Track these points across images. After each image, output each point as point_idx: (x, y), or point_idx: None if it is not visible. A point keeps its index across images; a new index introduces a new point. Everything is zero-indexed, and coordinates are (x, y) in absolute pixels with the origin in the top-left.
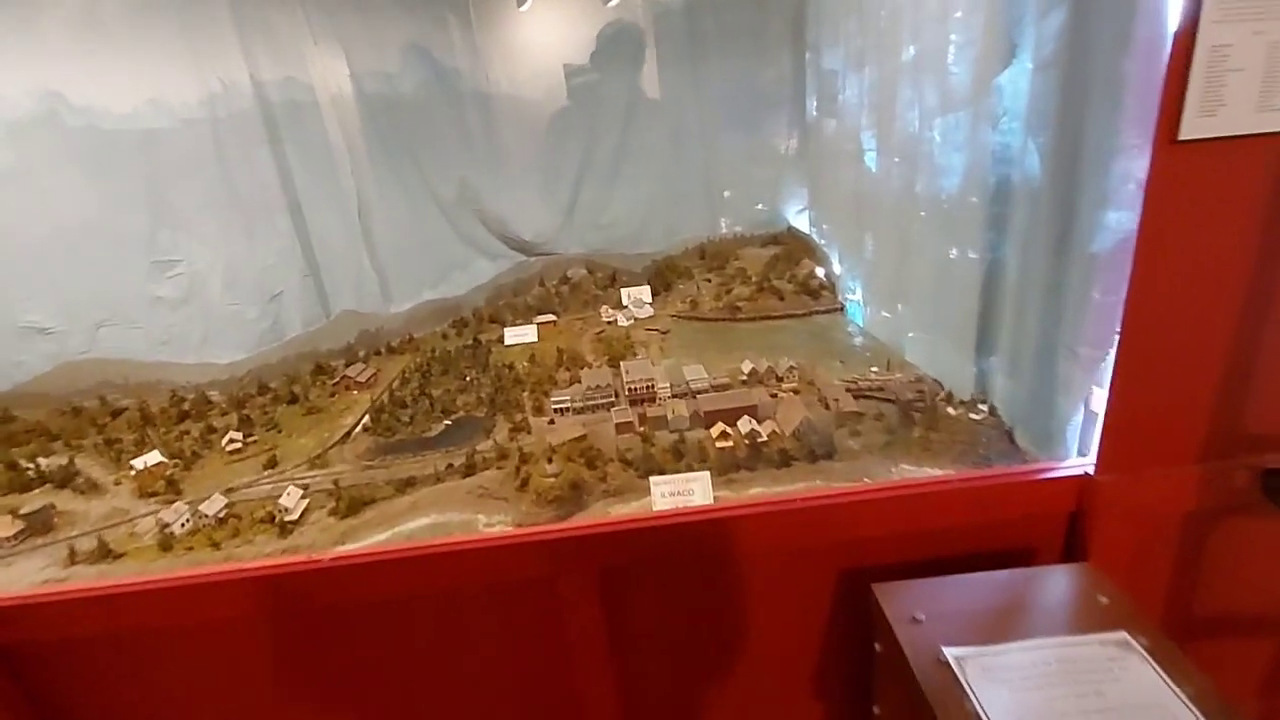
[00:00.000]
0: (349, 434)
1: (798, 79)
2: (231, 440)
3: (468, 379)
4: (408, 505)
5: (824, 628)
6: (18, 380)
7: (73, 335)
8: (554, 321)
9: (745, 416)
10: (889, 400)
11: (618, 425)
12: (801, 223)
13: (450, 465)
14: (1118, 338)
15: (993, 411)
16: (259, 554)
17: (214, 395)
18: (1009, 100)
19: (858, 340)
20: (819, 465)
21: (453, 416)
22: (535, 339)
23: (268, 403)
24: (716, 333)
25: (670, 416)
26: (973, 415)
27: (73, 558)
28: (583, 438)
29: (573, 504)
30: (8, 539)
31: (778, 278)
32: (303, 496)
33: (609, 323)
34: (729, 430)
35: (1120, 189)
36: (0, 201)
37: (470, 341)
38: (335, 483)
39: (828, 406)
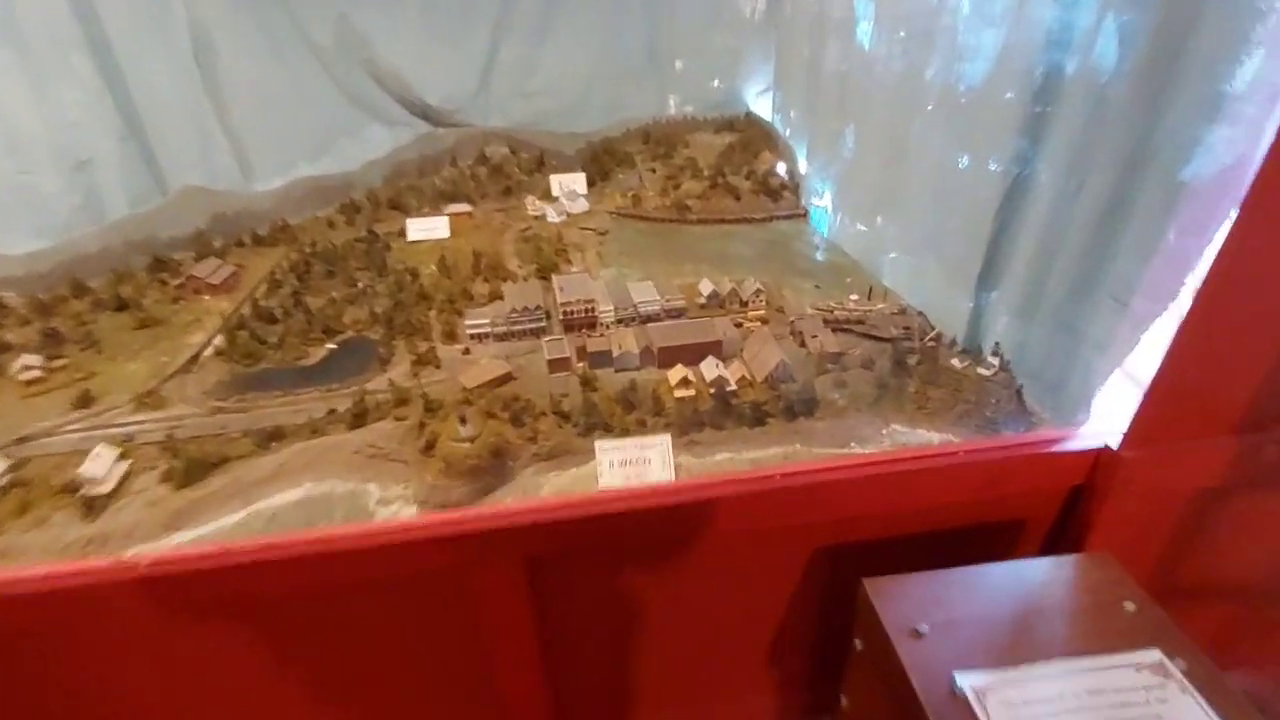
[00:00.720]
0: (195, 358)
1: None
2: (26, 367)
3: (359, 286)
4: (273, 468)
5: (792, 610)
6: None
7: None
8: (469, 213)
9: (709, 358)
10: (872, 337)
11: (551, 362)
12: (763, 107)
13: (333, 411)
14: (1187, 290)
15: (1003, 366)
16: (54, 544)
17: (9, 296)
18: None
19: (822, 255)
20: (798, 425)
21: (338, 339)
22: (446, 234)
23: (86, 309)
24: (663, 235)
25: (617, 352)
26: (981, 370)
27: None
28: (506, 378)
29: (494, 475)
30: None
31: (733, 172)
32: (121, 457)
33: (536, 217)
34: (690, 376)
35: (1243, 98)
36: None
37: (364, 234)
38: (170, 434)
39: (804, 344)
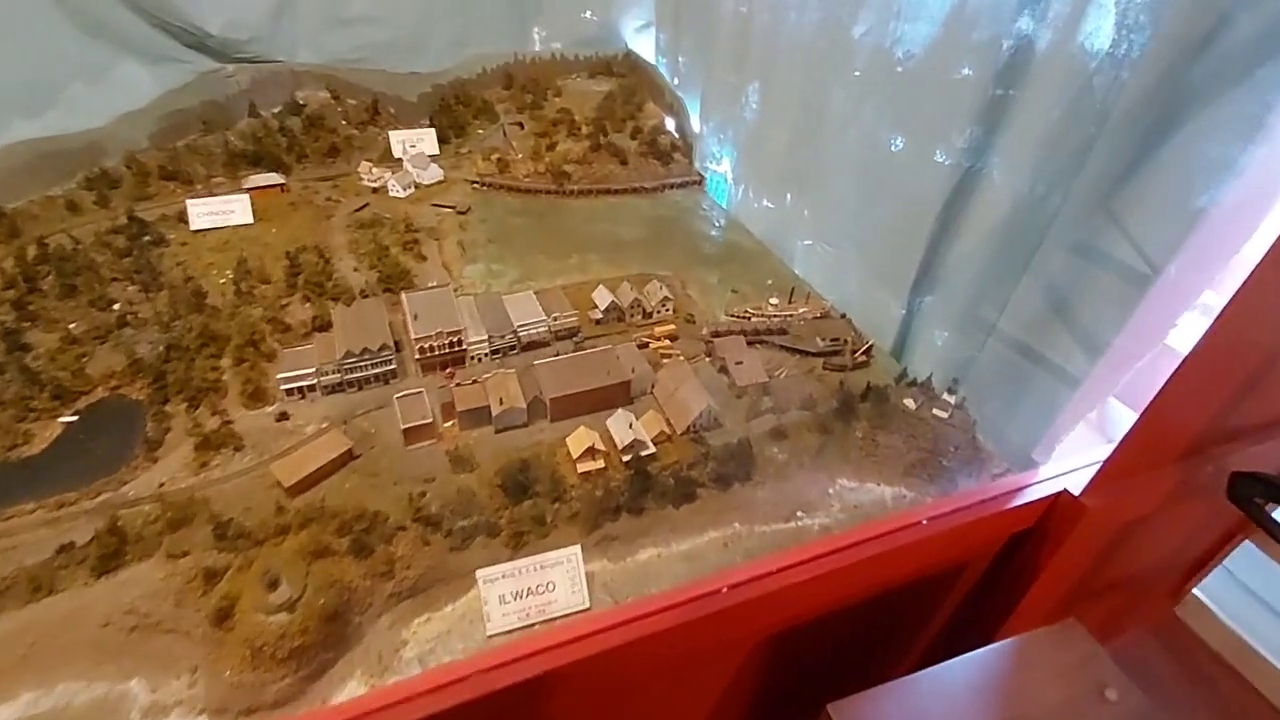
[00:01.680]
0: None
1: None
2: None
3: (115, 309)
4: None
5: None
6: None
7: None
8: (282, 185)
9: (619, 412)
10: (798, 352)
11: (407, 431)
12: (645, 47)
13: (66, 549)
14: (1179, 334)
15: (960, 404)
16: None
17: None
18: None
19: (724, 233)
20: (734, 495)
21: (79, 405)
22: (249, 219)
23: None
24: (539, 213)
25: (497, 408)
26: (937, 411)
27: None
28: (344, 460)
29: (330, 646)
30: None
31: (616, 129)
32: None
33: (375, 189)
34: (596, 444)
35: None
36: None
37: (122, 221)
38: None
39: (725, 369)
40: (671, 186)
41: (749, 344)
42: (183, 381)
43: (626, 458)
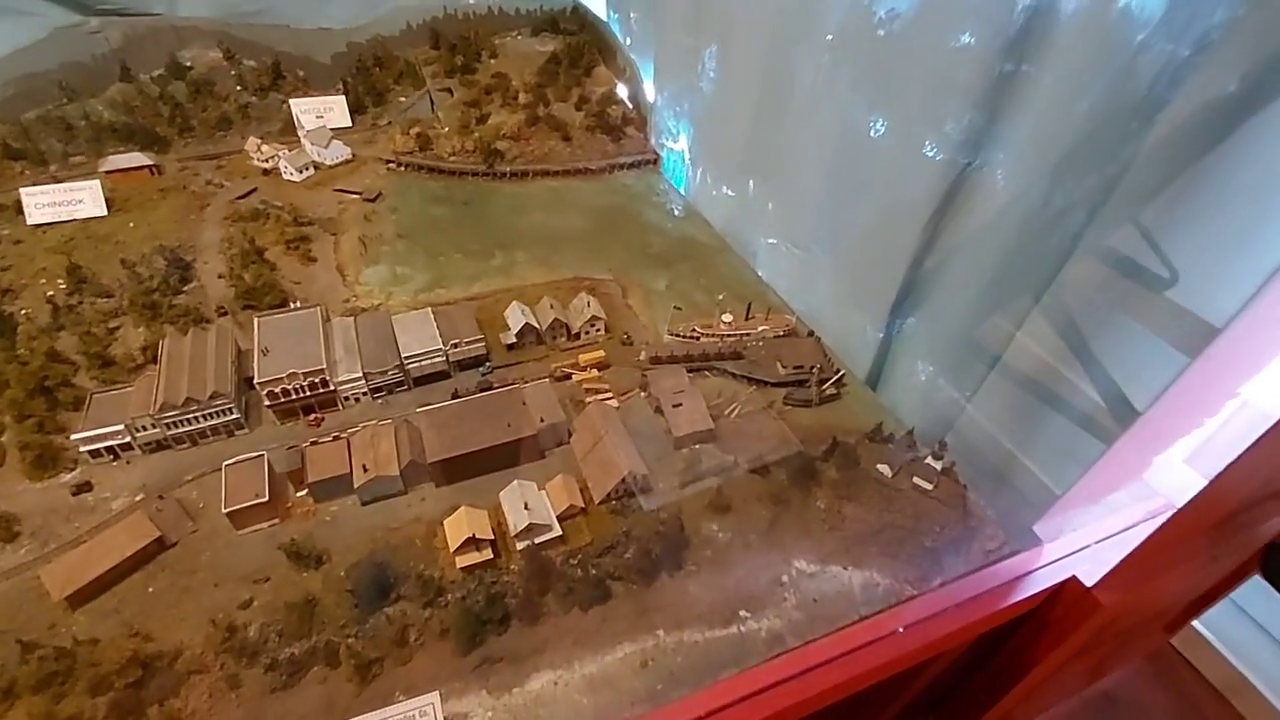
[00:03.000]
0: None
1: None
2: None
3: None
4: None
5: None
6: None
7: None
8: (153, 167)
9: (514, 485)
10: (755, 381)
11: (234, 514)
12: (595, 2)
13: None
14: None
15: (948, 470)
16: None
17: None
18: None
19: (679, 224)
20: (659, 590)
21: None
22: (101, 210)
23: None
24: (464, 200)
25: (364, 475)
26: (920, 481)
27: None
28: (146, 555)
29: None
30: None
31: (559, 98)
32: None
33: (266, 172)
34: (481, 533)
35: None
36: None
37: None
38: None
39: (660, 410)
40: (622, 167)
41: (697, 370)
42: None
43: (522, 545)
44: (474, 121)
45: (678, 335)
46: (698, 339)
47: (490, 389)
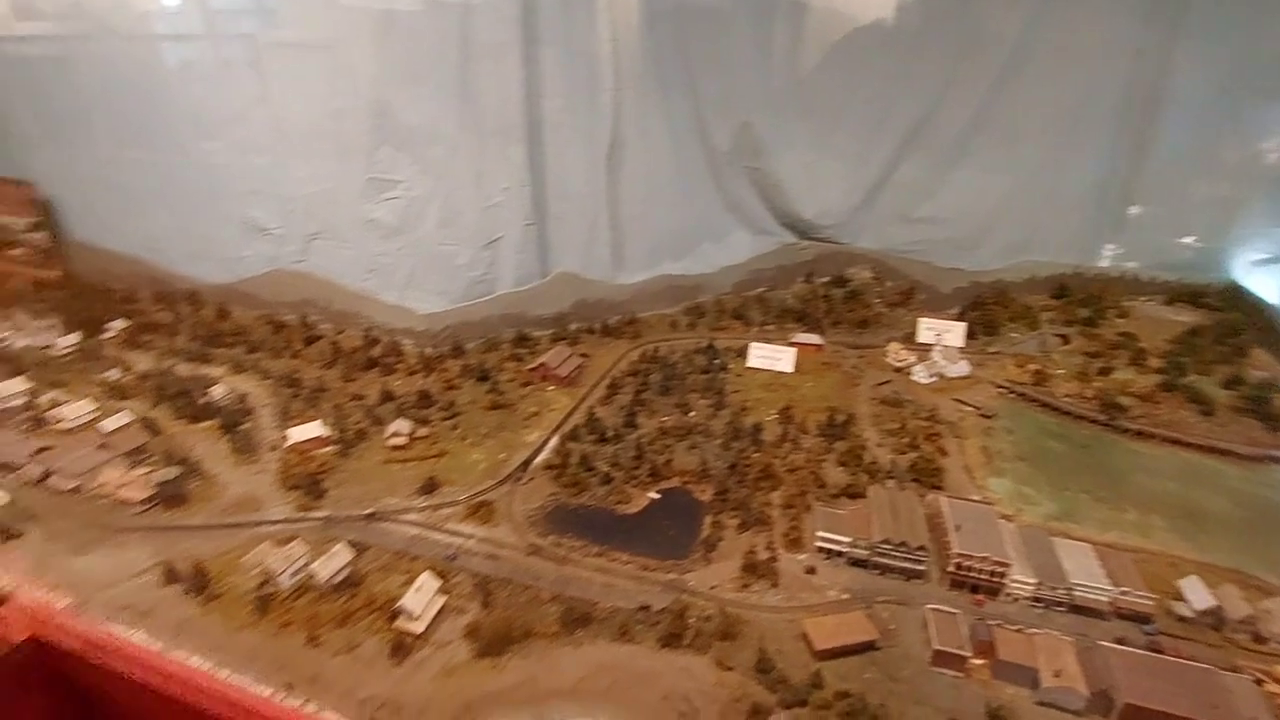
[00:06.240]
0: (526, 464)
1: None
2: (395, 434)
3: (690, 415)
4: (571, 678)
5: None
6: (239, 274)
7: (290, 241)
8: (818, 346)
9: None
10: None
11: (937, 654)
12: (1261, 282)
13: (645, 609)
14: None
15: None
16: (356, 683)
17: (407, 345)
18: None
19: None
20: None
21: (662, 486)
22: (790, 369)
23: (456, 373)
24: (1082, 444)
25: (1048, 680)
26: None
27: (168, 578)
28: (866, 647)
29: None
30: (137, 502)
31: (1200, 371)
32: (440, 589)
33: (898, 370)
34: None
35: None
36: (229, 85)
37: (704, 345)
38: (482, 582)
39: None
40: (1277, 460)
41: None
42: (739, 502)
43: None
44: (1094, 372)
45: None
46: None
47: (1159, 652)
